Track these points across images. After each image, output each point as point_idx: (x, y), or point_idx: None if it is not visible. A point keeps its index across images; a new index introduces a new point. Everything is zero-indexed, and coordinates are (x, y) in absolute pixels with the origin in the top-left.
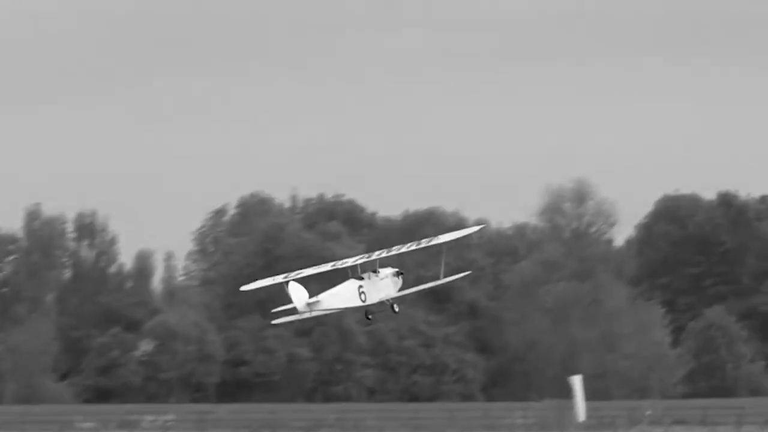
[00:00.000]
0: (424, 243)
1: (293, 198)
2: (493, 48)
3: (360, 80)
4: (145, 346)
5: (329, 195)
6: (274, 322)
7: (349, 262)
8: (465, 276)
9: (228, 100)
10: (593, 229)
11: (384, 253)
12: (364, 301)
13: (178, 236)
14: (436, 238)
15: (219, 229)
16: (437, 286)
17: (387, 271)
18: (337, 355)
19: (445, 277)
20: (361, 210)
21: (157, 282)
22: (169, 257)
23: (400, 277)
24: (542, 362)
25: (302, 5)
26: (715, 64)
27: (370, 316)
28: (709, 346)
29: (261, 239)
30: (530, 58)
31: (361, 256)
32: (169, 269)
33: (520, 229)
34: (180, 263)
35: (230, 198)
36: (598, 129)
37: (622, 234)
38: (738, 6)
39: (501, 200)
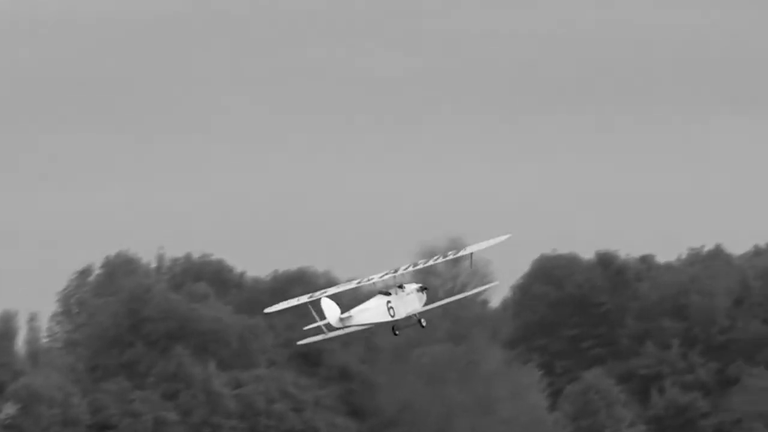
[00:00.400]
0: (450, 255)
1: (160, 258)
2: (365, 106)
3: (226, 140)
4: (8, 410)
5: (196, 255)
6: (300, 342)
7: (375, 278)
8: (491, 287)
9: (96, 158)
10: (468, 290)
11: (411, 268)
12: (392, 316)
13: (42, 297)
14: (463, 249)
15: (84, 290)
16: (458, 300)
17: (412, 287)
18: (205, 418)
19: (474, 287)
20: (230, 270)
21: (20, 344)
22: (32, 318)
23: (424, 292)
24: (416, 426)
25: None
26: (596, 123)
27: (397, 332)
28: (587, 409)
29: (127, 300)
30: (401, 116)
31: (387, 271)
32: (33, 331)
33: None
34: (44, 325)
35: (95, 258)
36: (473, 187)
37: (498, 295)
38: (611, 65)
39: (374, 259)
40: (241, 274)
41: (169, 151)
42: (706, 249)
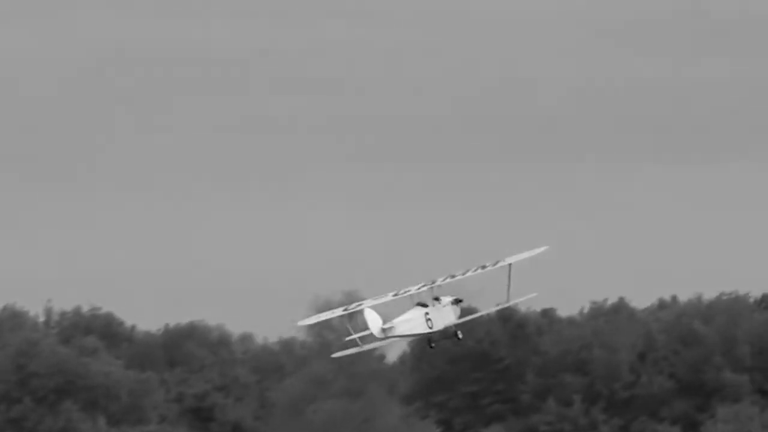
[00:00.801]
0: (489, 266)
1: (48, 311)
2: (253, 159)
3: (113, 190)
4: None
5: (86, 308)
6: (335, 355)
7: (412, 290)
8: (531, 298)
9: None
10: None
11: (448, 279)
12: (430, 328)
13: None
14: (502, 260)
15: None
16: (504, 309)
17: (447, 299)
18: None
19: (511, 299)
20: (120, 323)
21: None
22: None
23: (458, 304)
24: None
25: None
26: (495, 174)
27: (433, 344)
28: None
29: (14, 355)
30: (292, 168)
31: (424, 283)
32: None
33: (287, 345)
34: None
35: None
36: (368, 238)
37: (395, 349)
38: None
39: (267, 313)
40: (132, 328)
41: (55, 202)
42: (608, 302)
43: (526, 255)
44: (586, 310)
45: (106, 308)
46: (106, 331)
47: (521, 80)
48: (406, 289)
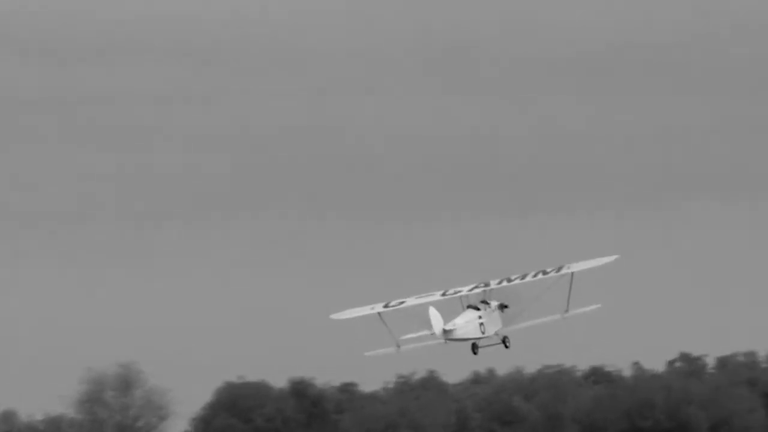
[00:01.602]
0: (551, 272)
1: None
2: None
3: None
4: None
5: None
6: (368, 353)
7: (464, 291)
8: (594, 309)
9: None
10: (140, 423)
11: (504, 282)
12: (483, 333)
13: None
14: (567, 266)
15: None
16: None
17: (494, 303)
18: None
19: (572, 309)
20: None
21: None
22: None
23: (504, 310)
24: None
25: None
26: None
27: (477, 350)
28: None
29: None
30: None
31: (477, 284)
32: None
33: (55, 423)
34: None
35: None
36: (147, 306)
37: (175, 429)
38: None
39: (32, 388)
40: None
41: None
42: (417, 376)
43: (591, 264)
44: (391, 385)
45: None
46: None
47: None
48: (457, 289)
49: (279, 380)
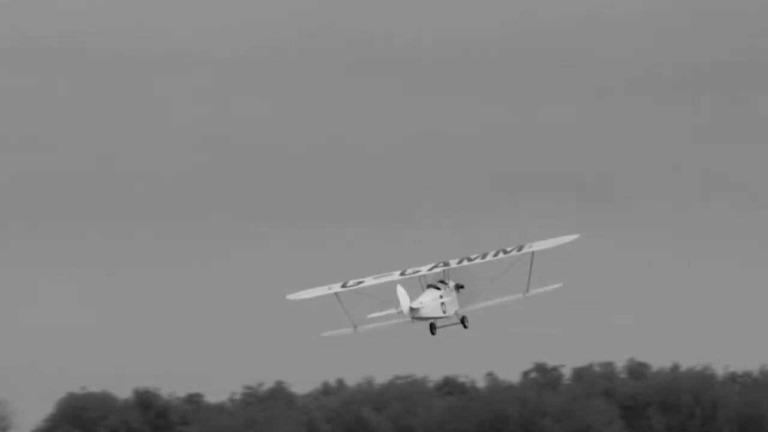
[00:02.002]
0: (513, 250)
1: None
2: None
3: None
4: None
5: None
6: (325, 334)
7: (423, 270)
8: (555, 288)
9: None
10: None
11: (464, 261)
12: (444, 313)
13: None
14: (528, 245)
15: None
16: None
17: (452, 284)
18: None
19: (533, 289)
20: None
21: None
22: None
23: (459, 290)
24: None
25: None
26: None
27: (435, 331)
28: None
29: None
30: None
31: (436, 263)
32: None
33: None
34: None
35: None
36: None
37: None
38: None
39: None
40: None
41: None
42: (265, 387)
43: (552, 242)
44: (238, 396)
45: None
46: None
47: None
48: (416, 269)
49: (123, 391)
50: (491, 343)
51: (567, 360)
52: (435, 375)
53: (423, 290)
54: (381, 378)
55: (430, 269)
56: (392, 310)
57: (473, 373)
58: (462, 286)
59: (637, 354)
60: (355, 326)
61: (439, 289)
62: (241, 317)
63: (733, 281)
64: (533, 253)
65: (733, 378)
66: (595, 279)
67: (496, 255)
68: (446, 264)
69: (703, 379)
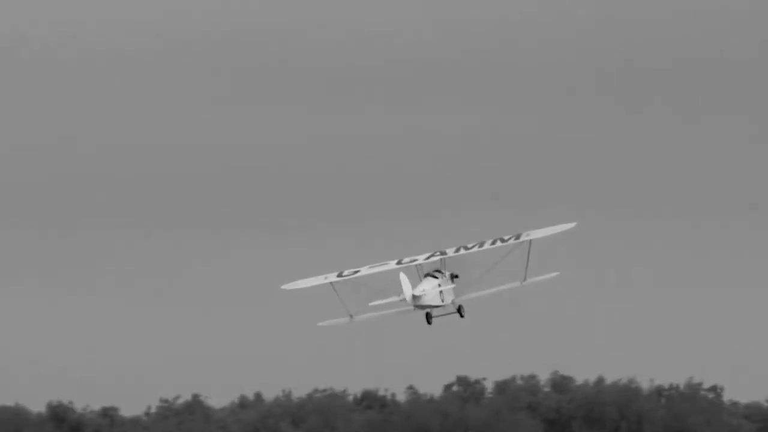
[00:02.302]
0: (510, 239)
1: None
2: None
3: None
4: None
5: None
6: (321, 324)
7: (420, 259)
8: (553, 276)
9: None
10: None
11: (461, 250)
12: (442, 302)
13: None
14: (526, 233)
15: None
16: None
17: (448, 273)
18: None
19: (530, 278)
20: None
21: None
22: None
23: (454, 280)
24: None
25: None
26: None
27: (431, 320)
28: None
29: None
30: None
31: (433, 252)
32: None
33: None
34: None
35: None
36: None
37: None
38: None
39: None
40: None
41: None
42: (181, 400)
43: (549, 231)
44: (153, 410)
45: None
46: None
47: None
48: (413, 258)
49: (37, 404)
50: (412, 355)
51: (489, 373)
52: (354, 388)
53: (420, 279)
54: (299, 391)
55: (427, 258)
56: (394, 298)
57: (393, 386)
58: (457, 276)
59: (561, 367)
60: (351, 316)
61: (436, 278)
62: (159, 329)
63: (657, 293)
64: (531, 241)
65: (659, 391)
66: (517, 293)
67: (493, 243)
68: (443, 253)
69: (628, 393)
